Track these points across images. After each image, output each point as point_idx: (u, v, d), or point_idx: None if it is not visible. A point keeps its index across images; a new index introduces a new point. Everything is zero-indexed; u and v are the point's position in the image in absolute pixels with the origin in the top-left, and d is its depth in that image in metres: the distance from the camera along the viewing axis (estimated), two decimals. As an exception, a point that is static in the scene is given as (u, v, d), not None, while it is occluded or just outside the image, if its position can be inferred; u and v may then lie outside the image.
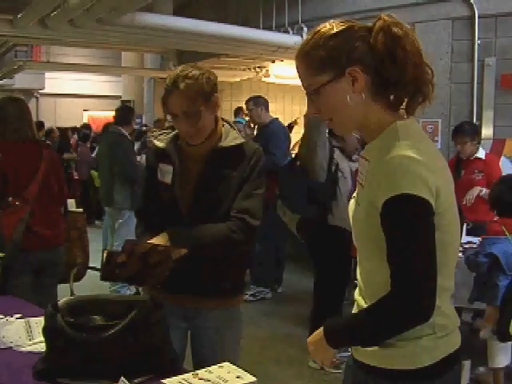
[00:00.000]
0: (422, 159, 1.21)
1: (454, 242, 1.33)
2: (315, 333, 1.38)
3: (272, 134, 5.37)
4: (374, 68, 1.28)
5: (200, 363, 1.95)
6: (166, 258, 1.77)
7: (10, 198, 2.93)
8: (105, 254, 1.79)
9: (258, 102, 5.48)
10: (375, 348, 1.31)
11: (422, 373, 1.28)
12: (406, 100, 1.32)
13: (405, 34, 1.27)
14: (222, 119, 2.04)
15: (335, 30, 1.29)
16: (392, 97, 1.32)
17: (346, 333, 1.33)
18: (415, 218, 1.20)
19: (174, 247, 1.81)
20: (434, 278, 1.20)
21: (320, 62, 1.29)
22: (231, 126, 2.02)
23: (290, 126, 8.84)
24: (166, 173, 1.97)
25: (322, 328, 1.36)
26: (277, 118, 5.65)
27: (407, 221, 1.20)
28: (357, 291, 1.42)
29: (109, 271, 1.78)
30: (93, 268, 1.93)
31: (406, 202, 1.19)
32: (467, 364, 2.99)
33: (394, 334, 1.26)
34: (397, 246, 1.21)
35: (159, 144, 2.00)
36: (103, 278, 1.81)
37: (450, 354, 1.31)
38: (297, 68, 1.35)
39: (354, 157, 3.82)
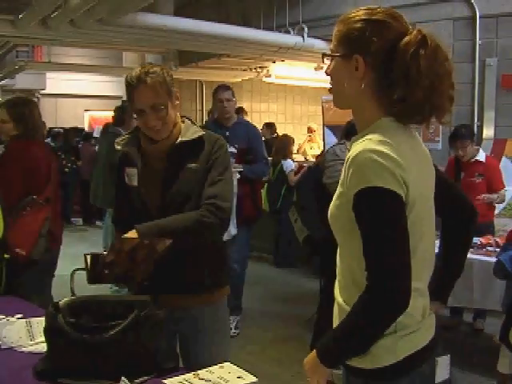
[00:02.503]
0: (388, 152, 1.23)
1: (422, 242, 1.31)
2: (310, 354, 1.38)
3: (258, 135, 4.75)
4: (387, 71, 1.30)
5: (190, 366, 1.96)
6: (152, 251, 1.77)
7: (34, 197, 2.98)
8: (88, 258, 1.77)
9: (234, 95, 4.58)
10: None
11: (385, 372, 1.30)
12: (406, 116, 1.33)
13: (429, 56, 1.27)
14: (182, 116, 2.08)
15: (369, 17, 1.32)
16: (396, 109, 1.32)
17: (336, 347, 1.32)
18: (385, 210, 1.23)
19: (157, 240, 1.81)
20: (407, 268, 1.22)
21: (342, 36, 1.35)
22: (192, 122, 2.06)
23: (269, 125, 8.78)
24: (131, 176, 2.00)
25: (315, 350, 1.36)
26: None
27: (377, 213, 1.23)
28: (335, 286, 1.44)
29: (96, 273, 1.78)
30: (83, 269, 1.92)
31: (375, 195, 1.22)
32: (442, 360, 2.88)
33: (379, 328, 1.26)
34: (368, 238, 1.24)
35: (120, 148, 2.03)
36: (92, 282, 1.80)
37: (415, 353, 1.31)
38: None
39: None
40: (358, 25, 1.32)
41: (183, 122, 2.04)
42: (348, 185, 1.27)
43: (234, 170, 4.13)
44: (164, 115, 1.91)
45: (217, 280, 2.07)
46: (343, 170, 1.31)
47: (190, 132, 1.98)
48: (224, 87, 4.55)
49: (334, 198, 1.37)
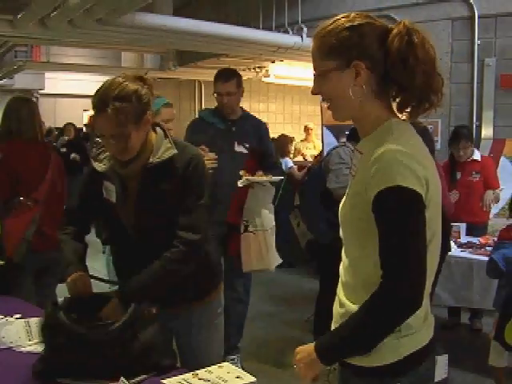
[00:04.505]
0: (413, 153, 1.26)
1: (431, 243, 1.32)
2: (306, 347, 1.38)
3: (268, 132, 3.84)
4: (383, 68, 1.32)
5: (185, 362, 1.97)
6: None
7: (22, 198, 2.95)
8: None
9: (240, 83, 3.59)
10: None
11: (386, 370, 1.30)
12: (411, 105, 1.35)
13: (421, 43, 1.30)
14: (156, 124, 1.94)
15: (353, 23, 1.32)
16: (398, 100, 1.36)
17: (340, 346, 1.32)
18: (407, 210, 1.24)
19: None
20: (424, 269, 1.24)
21: (330, 49, 1.34)
22: (164, 134, 1.91)
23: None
24: (110, 191, 1.91)
25: (313, 344, 1.35)
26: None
27: (399, 212, 1.24)
28: (339, 287, 1.43)
29: None
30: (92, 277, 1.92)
31: (399, 194, 1.23)
32: (441, 359, 2.88)
33: (390, 326, 1.26)
34: (388, 237, 1.25)
35: (98, 167, 1.92)
36: None
37: (416, 352, 1.32)
38: (311, 47, 1.39)
39: None
40: (346, 33, 1.32)
41: (155, 131, 1.91)
42: (370, 183, 1.26)
43: (263, 179, 3.36)
44: (123, 145, 1.77)
45: (205, 287, 2.06)
46: (362, 167, 1.31)
47: (161, 150, 1.85)
48: (224, 76, 3.54)
49: (348, 197, 1.38)
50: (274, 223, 3.56)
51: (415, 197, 1.23)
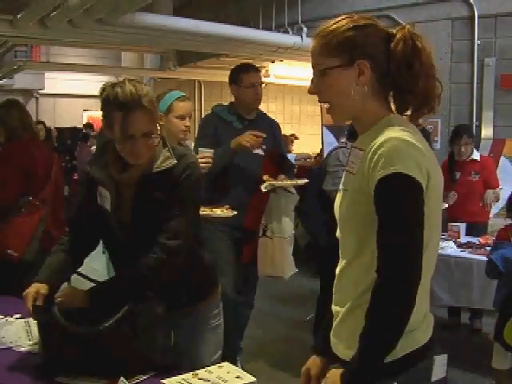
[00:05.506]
0: (415, 143, 1.26)
1: (433, 236, 1.31)
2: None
3: (280, 132, 3.70)
4: (384, 70, 1.33)
5: (182, 361, 1.94)
6: None
7: (30, 198, 2.97)
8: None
9: None
10: (343, 342, 1.35)
11: (384, 369, 1.27)
12: (411, 108, 1.36)
13: (423, 48, 1.32)
14: None
15: (358, 23, 1.34)
16: (398, 103, 1.37)
17: (363, 363, 1.25)
18: (406, 198, 1.23)
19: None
20: (420, 262, 1.22)
21: (334, 47, 1.34)
22: (163, 141, 1.87)
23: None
24: (104, 197, 1.88)
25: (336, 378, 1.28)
26: None
27: (398, 200, 1.23)
28: (335, 286, 1.42)
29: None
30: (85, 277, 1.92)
31: (400, 181, 1.22)
32: (440, 358, 2.88)
33: (397, 321, 1.23)
34: (385, 225, 1.23)
35: (94, 174, 1.89)
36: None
37: (413, 351, 1.31)
38: (312, 45, 1.39)
39: None
40: (351, 32, 1.33)
41: None
42: (372, 173, 1.25)
43: (288, 183, 3.29)
44: (154, 143, 1.77)
45: (199, 291, 2.04)
46: (363, 163, 1.29)
47: (160, 160, 1.83)
48: (253, 67, 3.48)
49: (347, 194, 1.35)
50: (293, 232, 3.46)
51: (416, 185, 1.22)
